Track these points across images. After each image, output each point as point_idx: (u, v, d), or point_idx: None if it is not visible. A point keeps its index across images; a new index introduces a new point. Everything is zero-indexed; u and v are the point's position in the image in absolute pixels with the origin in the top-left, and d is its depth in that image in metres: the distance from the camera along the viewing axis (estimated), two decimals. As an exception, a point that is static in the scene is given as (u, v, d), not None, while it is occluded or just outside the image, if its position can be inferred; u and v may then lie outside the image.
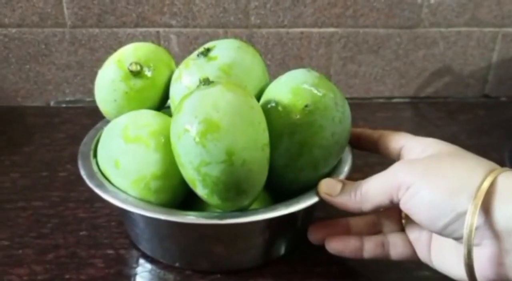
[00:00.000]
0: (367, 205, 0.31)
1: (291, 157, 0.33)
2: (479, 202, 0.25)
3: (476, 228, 0.26)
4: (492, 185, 0.26)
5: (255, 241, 0.35)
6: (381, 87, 0.66)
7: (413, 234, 0.33)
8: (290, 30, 0.61)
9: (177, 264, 0.36)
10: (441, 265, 0.31)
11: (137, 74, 0.37)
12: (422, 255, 0.32)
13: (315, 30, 0.61)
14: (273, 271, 0.37)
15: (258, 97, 0.36)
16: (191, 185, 0.31)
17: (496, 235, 0.26)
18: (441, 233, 0.28)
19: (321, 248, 0.35)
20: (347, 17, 0.61)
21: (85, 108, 0.62)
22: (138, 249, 0.38)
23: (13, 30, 0.58)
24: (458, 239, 0.27)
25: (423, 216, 0.28)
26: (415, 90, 0.66)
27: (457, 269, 0.29)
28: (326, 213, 0.36)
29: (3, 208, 0.43)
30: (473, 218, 0.25)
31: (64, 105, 0.63)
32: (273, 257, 0.37)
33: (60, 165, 0.49)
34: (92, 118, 0.59)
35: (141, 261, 0.37)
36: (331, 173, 0.35)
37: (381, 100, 0.66)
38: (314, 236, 0.35)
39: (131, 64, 0.37)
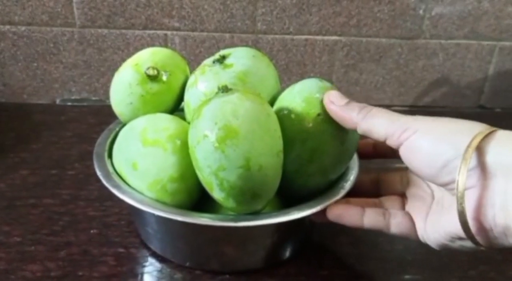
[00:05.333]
0: (365, 126, 0.32)
1: (302, 163, 0.35)
2: (477, 142, 0.27)
3: (470, 170, 0.27)
4: (491, 133, 0.28)
5: (265, 243, 0.36)
6: (381, 95, 0.67)
7: (413, 210, 0.34)
8: (295, 37, 0.62)
9: (187, 264, 0.38)
10: (434, 231, 0.31)
11: (153, 78, 0.38)
12: (420, 225, 0.33)
13: (319, 37, 0.63)
14: (280, 273, 0.38)
15: (271, 105, 0.37)
16: (207, 188, 0.32)
17: (490, 174, 0.26)
18: (438, 175, 0.28)
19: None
20: (350, 26, 0.62)
21: (90, 107, 0.63)
22: (148, 248, 0.39)
23: (23, 28, 0.59)
24: (452, 183, 0.28)
25: (423, 157, 0.29)
26: (414, 99, 0.68)
27: (450, 226, 0.29)
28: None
29: (15, 205, 0.44)
30: (467, 157, 0.26)
31: (69, 104, 0.64)
32: (281, 259, 0.39)
33: (69, 164, 0.50)
34: (98, 117, 0.61)
35: (152, 260, 0.38)
36: (338, 180, 0.37)
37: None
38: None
39: (148, 68, 0.38)
